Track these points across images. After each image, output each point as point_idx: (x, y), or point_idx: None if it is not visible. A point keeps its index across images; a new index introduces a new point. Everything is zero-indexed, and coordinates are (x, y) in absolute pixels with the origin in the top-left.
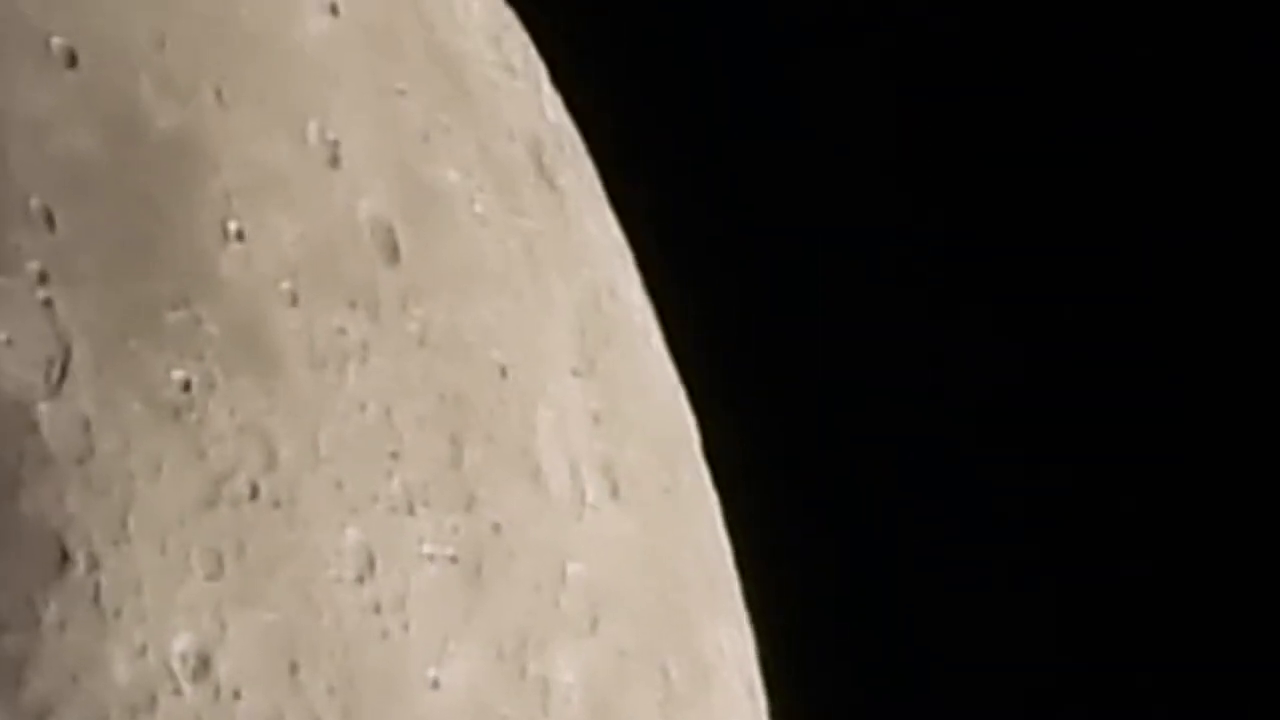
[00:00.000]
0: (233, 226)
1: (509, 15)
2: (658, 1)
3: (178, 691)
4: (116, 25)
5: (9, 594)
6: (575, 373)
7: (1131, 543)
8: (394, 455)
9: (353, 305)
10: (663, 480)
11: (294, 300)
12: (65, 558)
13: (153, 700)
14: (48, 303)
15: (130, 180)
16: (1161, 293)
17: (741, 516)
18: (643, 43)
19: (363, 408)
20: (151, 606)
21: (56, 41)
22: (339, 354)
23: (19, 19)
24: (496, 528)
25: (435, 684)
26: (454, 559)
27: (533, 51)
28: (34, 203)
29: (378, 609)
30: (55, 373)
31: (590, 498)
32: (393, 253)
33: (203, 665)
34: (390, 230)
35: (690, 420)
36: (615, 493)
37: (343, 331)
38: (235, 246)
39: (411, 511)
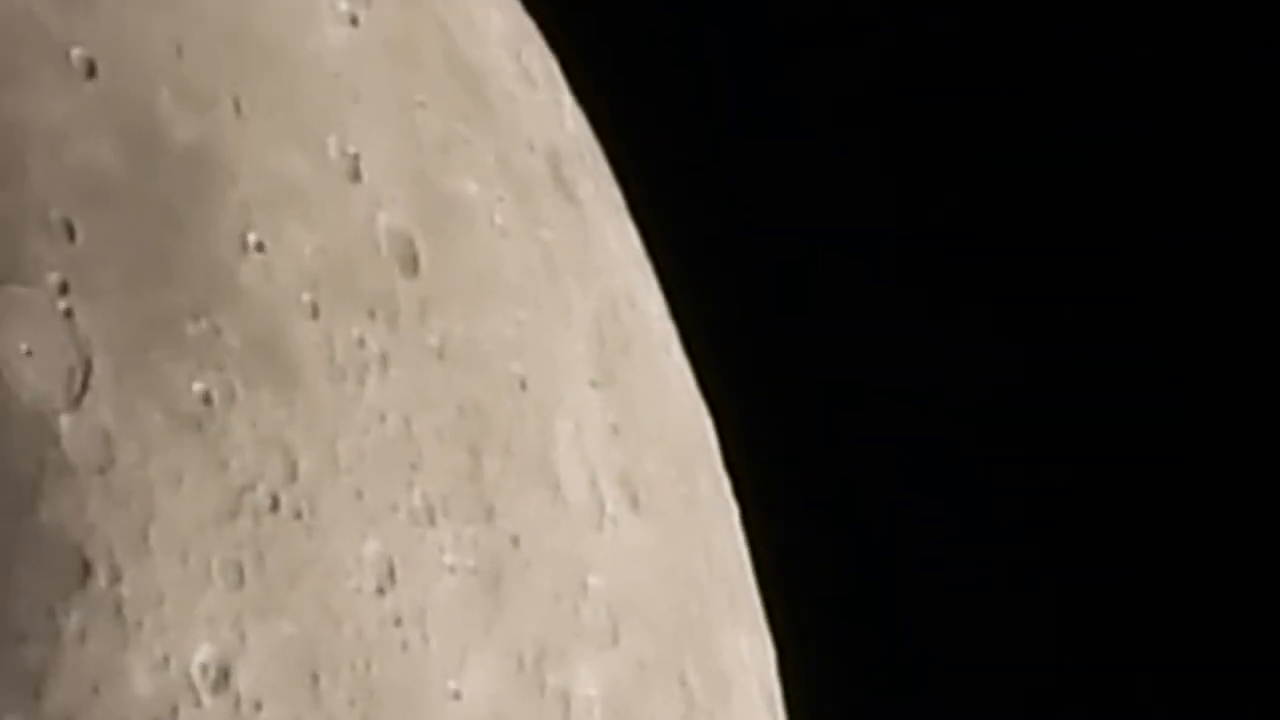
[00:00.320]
0: (252, 238)
1: (529, 26)
2: (658, 1)
3: (198, 703)
4: (135, 36)
5: (30, 605)
6: (594, 384)
7: (1132, 543)
8: (413, 466)
9: (372, 316)
10: (681, 491)
11: (314, 311)
12: (86, 569)
13: (173, 712)
14: (68, 313)
15: (149, 191)
16: (1161, 293)
17: (742, 517)
18: (643, 43)
19: (382, 419)
20: (172, 618)
21: (76, 52)
22: (358, 365)
23: (38, 30)
24: (516, 539)
25: (456, 695)
26: (474, 570)
27: (552, 62)
28: (54, 213)
29: (398, 620)
30: (76, 384)
31: (609, 509)
32: (412, 264)
33: (223, 676)
34: (409, 241)
35: (709, 429)
36: (634, 504)
37: (362, 343)
38: (255, 258)
39: (431, 522)
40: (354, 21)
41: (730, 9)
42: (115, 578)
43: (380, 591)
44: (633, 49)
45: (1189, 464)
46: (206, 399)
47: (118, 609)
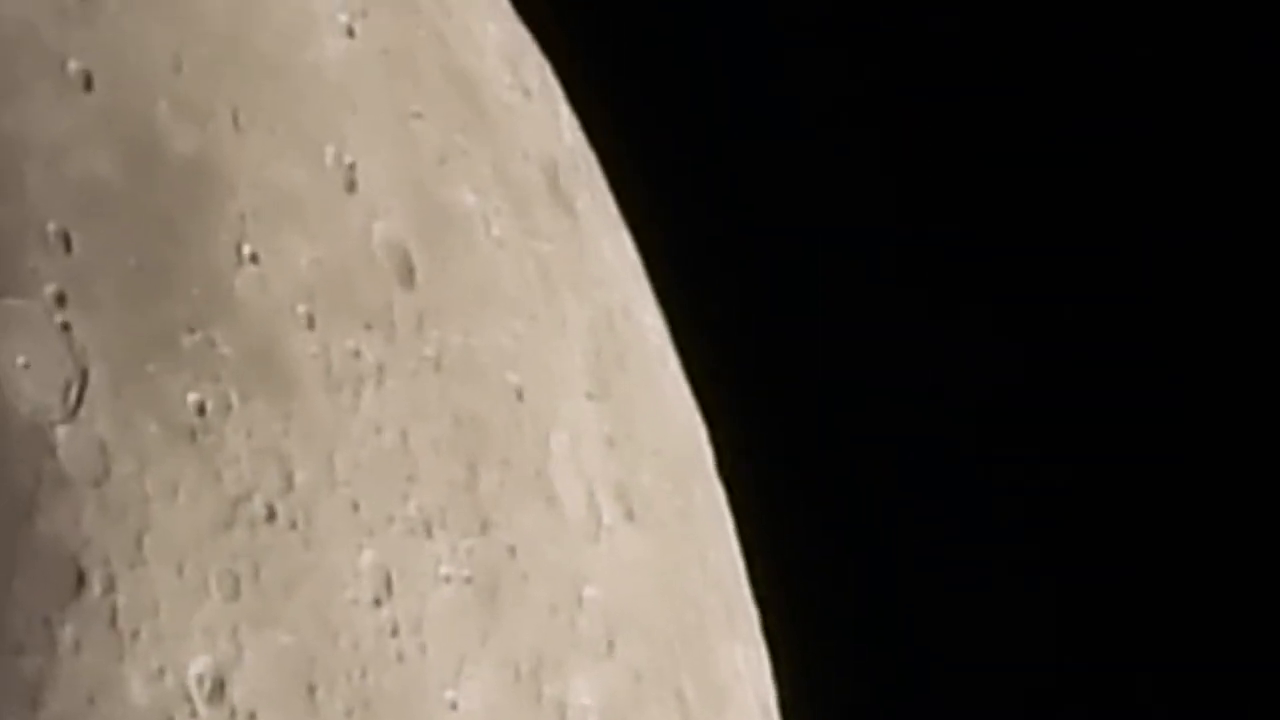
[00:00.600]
0: (248, 250)
1: (526, 36)
2: (658, 2)
3: (194, 714)
4: (133, 49)
5: (25, 616)
6: (590, 396)
7: (1131, 543)
8: (410, 478)
9: (368, 328)
10: (677, 503)
11: (310, 323)
12: (82, 580)
13: None
14: (65, 326)
15: (147, 203)
16: (1161, 293)
17: (743, 517)
18: (642, 43)
19: (378, 430)
20: (168, 628)
21: (73, 65)
22: (355, 377)
23: (36, 42)
24: (512, 550)
25: (453, 706)
26: (470, 581)
27: (549, 73)
28: (51, 226)
29: (395, 631)
30: (72, 395)
31: (605, 520)
32: (408, 275)
33: (219, 687)
34: (406, 253)
35: (704, 439)
36: (630, 515)
37: (358, 354)
38: (251, 269)
39: (428, 534)
40: (351, 33)
41: (730, 9)
42: (111, 588)
43: (377, 602)
44: (632, 49)
45: (1189, 464)
46: (202, 410)
47: (113, 620)
